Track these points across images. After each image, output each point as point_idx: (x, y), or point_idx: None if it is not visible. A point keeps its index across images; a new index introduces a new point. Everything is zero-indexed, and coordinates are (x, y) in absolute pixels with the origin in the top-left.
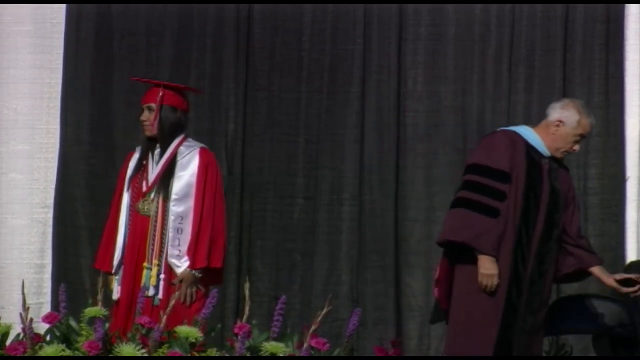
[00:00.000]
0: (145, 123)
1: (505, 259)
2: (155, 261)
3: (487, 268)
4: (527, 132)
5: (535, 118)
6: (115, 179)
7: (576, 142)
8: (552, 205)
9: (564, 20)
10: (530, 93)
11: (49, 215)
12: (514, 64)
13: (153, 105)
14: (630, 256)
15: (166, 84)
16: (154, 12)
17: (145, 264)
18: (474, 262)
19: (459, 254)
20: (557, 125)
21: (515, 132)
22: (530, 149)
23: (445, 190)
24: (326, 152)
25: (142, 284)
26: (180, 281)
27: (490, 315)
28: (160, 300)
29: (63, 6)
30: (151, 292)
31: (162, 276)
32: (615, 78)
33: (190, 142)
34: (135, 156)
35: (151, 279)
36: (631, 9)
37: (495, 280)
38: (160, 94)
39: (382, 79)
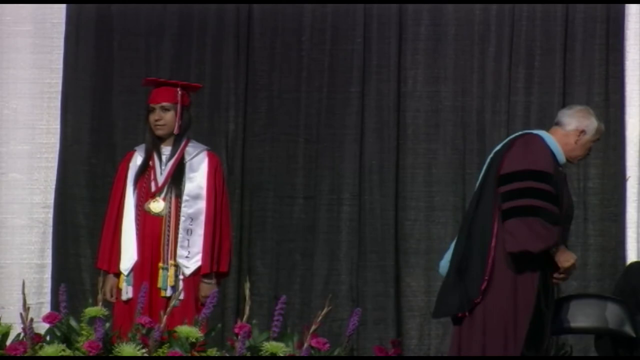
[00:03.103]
0: (160, 123)
1: (538, 265)
2: (171, 261)
3: (569, 258)
4: (549, 139)
5: (535, 118)
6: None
7: (590, 148)
8: (567, 214)
9: (564, 20)
10: (530, 93)
11: (49, 215)
12: (513, 64)
13: (168, 104)
14: (631, 256)
15: (181, 83)
16: (154, 12)
17: (161, 265)
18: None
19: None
20: (579, 135)
21: (543, 140)
22: (554, 157)
23: (445, 190)
24: (326, 152)
25: (159, 285)
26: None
27: (520, 319)
28: (181, 300)
29: (63, 6)
30: (169, 292)
31: (181, 277)
32: (615, 78)
33: (194, 143)
34: (137, 156)
35: (169, 279)
36: (631, 9)
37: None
38: (180, 94)
39: (382, 79)
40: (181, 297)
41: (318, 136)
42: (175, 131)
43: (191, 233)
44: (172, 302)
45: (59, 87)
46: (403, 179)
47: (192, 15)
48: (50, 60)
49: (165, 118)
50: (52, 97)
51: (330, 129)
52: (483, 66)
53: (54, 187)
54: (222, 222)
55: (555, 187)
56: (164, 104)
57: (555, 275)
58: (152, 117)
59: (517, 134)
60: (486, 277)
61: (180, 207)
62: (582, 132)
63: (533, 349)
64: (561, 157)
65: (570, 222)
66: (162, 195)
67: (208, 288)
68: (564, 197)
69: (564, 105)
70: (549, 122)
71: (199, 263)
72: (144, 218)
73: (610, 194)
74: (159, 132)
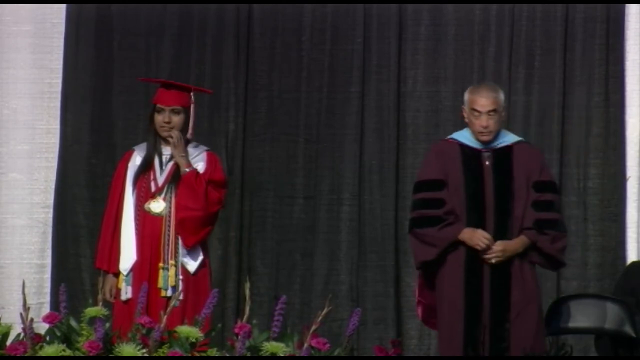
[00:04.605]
0: (168, 125)
1: (459, 261)
2: (171, 261)
3: (470, 237)
4: (462, 134)
5: (535, 118)
6: None
7: (476, 118)
8: (500, 197)
9: (564, 20)
10: (530, 93)
11: (49, 215)
12: (514, 64)
13: (179, 108)
14: (631, 256)
15: (196, 88)
16: (154, 12)
17: (161, 264)
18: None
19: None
20: (463, 114)
21: (447, 140)
22: (466, 149)
23: None
24: (326, 152)
25: (159, 285)
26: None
27: (454, 317)
28: (180, 301)
29: (63, 6)
30: (169, 292)
31: (180, 277)
32: (615, 78)
33: (194, 144)
34: (136, 155)
35: (169, 279)
36: (631, 9)
37: (484, 235)
38: (192, 98)
39: (382, 79)
40: (181, 297)
41: (318, 136)
42: (190, 136)
43: None
44: (172, 302)
45: (59, 87)
46: (403, 179)
47: (192, 15)
48: (50, 60)
49: (174, 121)
50: (52, 97)
51: (330, 129)
52: (483, 66)
53: (54, 187)
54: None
55: (456, 185)
56: (176, 107)
57: (485, 256)
58: (160, 118)
59: None
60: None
61: None
62: (462, 109)
63: (471, 341)
64: (475, 142)
65: (510, 200)
66: (163, 195)
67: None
68: (486, 182)
69: (564, 105)
70: (549, 122)
71: (201, 257)
72: (144, 218)
73: (610, 194)
74: (165, 134)
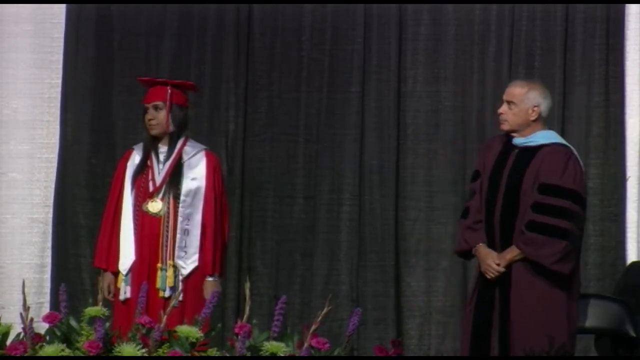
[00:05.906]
0: (153, 122)
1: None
2: (169, 262)
3: (482, 259)
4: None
5: None
6: None
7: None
8: (508, 195)
9: (564, 20)
10: None
11: (49, 215)
12: (514, 64)
13: (160, 103)
14: (631, 256)
15: (172, 82)
16: (154, 12)
17: (159, 265)
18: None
19: None
20: None
21: (502, 134)
22: (507, 144)
23: (445, 190)
24: (326, 152)
25: (157, 285)
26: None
27: (468, 309)
28: (180, 301)
29: (63, 6)
30: (167, 293)
31: (181, 277)
32: (615, 78)
33: (192, 142)
34: (135, 155)
35: (167, 279)
36: (631, 9)
37: (492, 266)
38: (169, 92)
39: (382, 79)
40: (180, 297)
41: (318, 136)
42: (167, 129)
43: (188, 233)
44: (172, 302)
45: (59, 87)
46: (403, 179)
47: (192, 15)
48: (50, 60)
49: (158, 117)
50: (52, 97)
51: (330, 129)
52: (483, 66)
53: (54, 186)
54: (221, 222)
55: (484, 178)
56: (156, 102)
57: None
58: (146, 117)
59: None
60: None
61: (178, 207)
62: None
63: (477, 343)
64: (516, 140)
65: (519, 197)
66: (160, 195)
67: (211, 285)
68: (503, 177)
69: (564, 105)
70: (549, 122)
71: (196, 263)
72: (142, 218)
73: (610, 194)
74: (153, 132)
